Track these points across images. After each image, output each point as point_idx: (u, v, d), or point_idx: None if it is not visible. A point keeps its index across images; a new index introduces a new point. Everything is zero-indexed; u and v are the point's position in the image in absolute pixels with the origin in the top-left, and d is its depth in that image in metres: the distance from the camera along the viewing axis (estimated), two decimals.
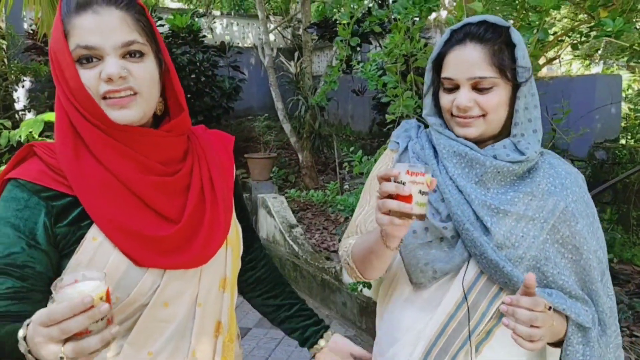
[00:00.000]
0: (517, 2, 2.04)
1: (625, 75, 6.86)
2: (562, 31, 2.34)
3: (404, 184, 0.94)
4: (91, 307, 0.74)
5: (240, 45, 10.14)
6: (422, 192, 0.94)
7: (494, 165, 1.10)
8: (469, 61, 1.09)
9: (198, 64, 6.45)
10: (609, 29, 1.34)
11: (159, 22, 7.03)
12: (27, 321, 0.79)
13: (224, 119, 7.65)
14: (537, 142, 1.14)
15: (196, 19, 7.89)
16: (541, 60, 2.28)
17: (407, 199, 0.93)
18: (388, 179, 0.95)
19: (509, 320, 0.94)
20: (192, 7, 10.38)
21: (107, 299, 0.78)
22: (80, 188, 0.96)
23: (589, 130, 3.93)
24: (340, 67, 2.69)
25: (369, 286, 3.37)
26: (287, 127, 7.54)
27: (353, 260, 1.23)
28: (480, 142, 1.15)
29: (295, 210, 6.04)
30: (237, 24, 10.61)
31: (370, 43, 6.02)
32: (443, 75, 1.14)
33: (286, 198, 5.49)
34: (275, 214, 5.15)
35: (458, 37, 1.12)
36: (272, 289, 1.39)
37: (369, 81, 2.83)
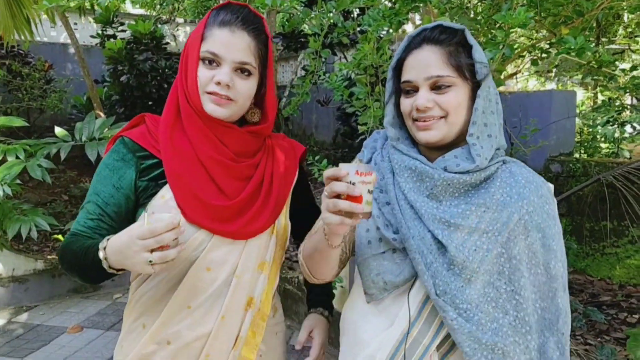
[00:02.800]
0: (482, 17, 2.10)
1: (579, 92, 7.13)
2: (523, 47, 2.42)
3: (353, 184, 0.95)
4: (177, 226, 1.03)
5: None
6: (369, 191, 0.97)
7: (443, 178, 1.09)
8: (426, 62, 1.10)
9: (161, 70, 6.35)
10: (570, 47, 1.39)
11: (120, 28, 6.91)
12: (108, 237, 1.09)
13: None
14: (490, 148, 1.12)
15: (159, 26, 7.78)
16: (503, 75, 2.35)
17: (358, 199, 0.95)
18: (336, 179, 0.96)
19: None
20: (155, 13, 10.23)
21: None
22: (165, 152, 1.24)
23: (547, 143, 4.06)
24: (311, 79, 2.70)
25: (333, 296, 3.36)
26: None
27: (304, 259, 1.25)
28: (442, 147, 1.14)
29: None
30: None
31: (336, 54, 6.07)
32: (402, 79, 1.15)
33: None
34: None
35: (416, 42, 1.13)
36: None
37: (334, 92, 2.84)
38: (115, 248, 1.06)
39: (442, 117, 1.10)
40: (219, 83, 1.20)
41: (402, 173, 1.15)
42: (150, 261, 1.01)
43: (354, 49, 2.85)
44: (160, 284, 1.26)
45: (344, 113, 6.11)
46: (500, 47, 1.57)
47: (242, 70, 1.22)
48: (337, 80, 2.86)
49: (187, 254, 1.21)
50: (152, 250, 1.01)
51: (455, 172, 1.09)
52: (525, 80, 8.39)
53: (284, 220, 1.37)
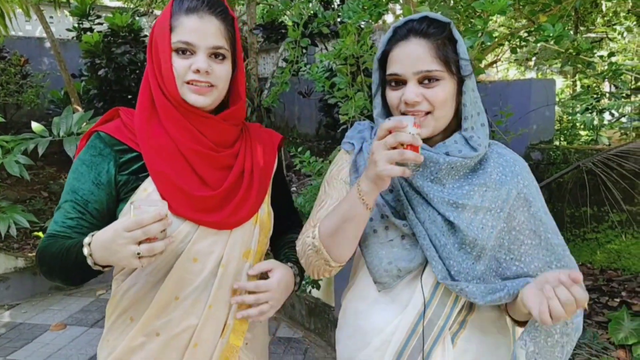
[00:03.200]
0: (461, 6, 2.10)
1: (559, 80, 7.20)
2: (502, 35, 2.43)
3: (413, 135, 0.99)
4: (164, 218, 1.01)
5: None
6: (422, 148, 1.02)
7: (447, 161, 1.11)
8: (414, 56, 1.09)
9: (139, 64, 6.26)
10: (549, 34, 1.39)
11: (97, 21, 6.80)
12: (92, 233, 1.08)
13: None
14: (485, 136, 1.16)
15: (137, 18, 7.67)
16: (482, 63, 2.35)
17: (417, 149, 0.99)
18: (392, 132, 0.99)
19: (551, 289, 0.96)
20: (132, 6, 10.07)
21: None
22: (144, 145, 1.22)
23: (527, 130, 4.09)
24: (291, 69, 2.68)
25: (318, 287, 3.37)
26: None
27: (321, 240, 1.16)
28: (429, 140, 1.15)
29: None
30: None
31: (317, 45, 6.04)
32: (388, 72, 1.14)
33: None
34: None
35: (401, 33, 1.12)
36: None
37: (316, 83, 2.83)
38: (100, 243, 1.05)
39: (427, 113, 1.11)
40: (198, 71, 1.19)
41: None
42: (137, 254, 1.00)
43: (335, 39, 2.83)
44: (147, 278, 1.25)
45: (326, 104, 6.10)
46: (479, 35, 1.57)
47: (216, 55, 1.22)
48: (318, 71, 2.84)
49: (173, 247, 1.21)
50: (139, 244, 1.00)
51: (459, 157, 1.12)
52: (505, 70, 8.45)
53: (266, 208, 1.38)
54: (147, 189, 1.22)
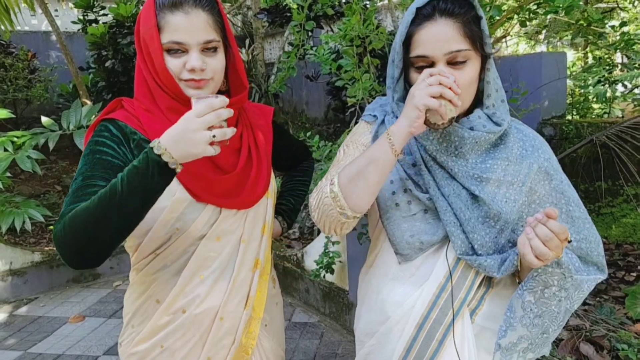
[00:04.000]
0: None
1: (570, 53, 7.07)
2: (511, 9, 2.38)
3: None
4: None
5: None
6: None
7: (472, 136, 1.12)
8: (444, 36, 1.07)
9: None
10: (559, 5, 1.36)
11: (102, 12, 6.78)
12: (155, 140, 1.03)
13: None
14: (506, 112, 1.17)
15: (141, 8, 7.62)
16: (492, 38, 2.31)
17: (455, 92, 1.03)
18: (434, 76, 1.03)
19: (530, 230, 0.99)
20: None
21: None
22: (151, 130, 1.22)
23: (538, 106, 4.03)
24: (297, 53, 2.65)
25: (332, 271, 3.38)
26: None
27: (340, 185, 1.12)
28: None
29: None
30: None
31: (322, 27, 5.98)
32: (414, 54, 1.11)
33: None
34: None
35: (426, 13, 1.09)
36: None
37: (322, 65, 2.80)
38: (172, 136, 1.02)
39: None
40: (192, 70, 1.20)
41: (426, 136, 1.16)
42: (213, 136, 1.01)
43: (340, 21, 2.80)
44: (172, 264, 1.30)
45: (334, 87, 6.04)
46: (488, 9, 1.53)
47: (208, 48, 1.21)
48: (324, 53, 2.81)
49: (197, 230, 1.27)
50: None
51: (483, 131, 1.13)
52: (515, 44, 8.32)
53: (273, 180, 1.46)
54: None
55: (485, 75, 1.13)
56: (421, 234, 1.16)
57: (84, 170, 1.15)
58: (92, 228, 1.03)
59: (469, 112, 1.17)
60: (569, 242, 0.98)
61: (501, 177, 1.13)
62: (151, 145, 1.02)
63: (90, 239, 1.04)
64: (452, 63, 1.09)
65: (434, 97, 1.02)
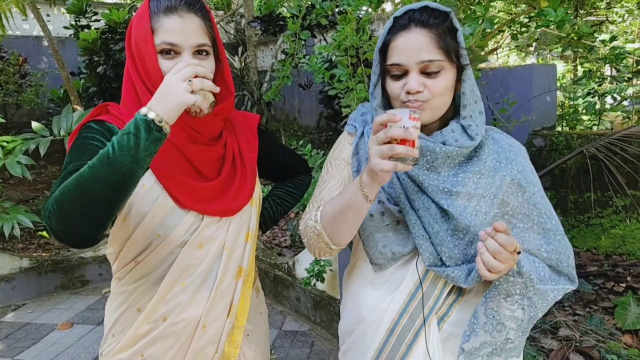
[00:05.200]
0: None
1: (560, 65, 7.15)
2: (502, 22, 2.40)
3: (407, 128, 0.97)
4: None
5: None
6: (419, 137, 1.02)
7: (444, 151, 1.14)
8: (416, 46, 1.10)
9: None
10: (551, 19, 1.38)
11: (94, 18, 6.77)
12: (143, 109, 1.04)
13: None
14: (483, 124, 1.18)
15: (134, 14, 7.61)
16: (484, 51, 2.33)
17: (412, 143, 0.98)
18: (386, 126, 1.00)
19: (482, 245, 1.01)
20: (129, 1, 10.03)
21: None
22: None
23: (529, 117, 4.07)
24: (291, 62, 2.66)
25: (322, 280, 3.37)
26: None
27: (323, 225, 1.19)
28: (426, 128, 1.17)
29: None
30: None
31: (315, 37, 6.00)
32: (390, 62, 1.14)
33: None
34: None
35: (403, 23, 1.13)
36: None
37: (315, 74, 2.81)
38: (156, 97, 1.06)
39: (425, 102, 1.12)
40: None
41: None
42: (189, 82, 1.06)
43: (334, 30, 2.81)
44: (152, 272, 1.28)
45: (326, 96, 6.06)
46: (480, 21, 1.55)
47: (200, 52, 1.23)
48: (317, 62, 2.82)
49: (179, 237, 1.26)
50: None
51: (455, 146, 1.14)
52: (506, 56, 8.40)
53: (257, 188, 1.44)
54: (146, 184, 1.22)
55: (462, 87, 1.15)
56: (393, 245, 1.20)
57: (72, 159, 1.14)
58: (85, 195, 1.01)
59: (444, 122, 1.19)
60: (519, 253, 1.01)
61: (472, 190, 1.14)
62: (141, 112, 1.05)
63: (83, 206, 1.01)
64: (426, 72, 1.11)
65: (388, 157, 1.00)
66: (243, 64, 8.12)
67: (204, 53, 1.24)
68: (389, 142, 0.99)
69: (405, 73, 1.13)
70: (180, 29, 1.19)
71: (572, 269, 1.19)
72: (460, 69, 1.15)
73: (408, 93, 1.12)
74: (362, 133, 1.29)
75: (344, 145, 1.34)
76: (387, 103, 1.22)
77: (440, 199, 1.14)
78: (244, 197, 1.36)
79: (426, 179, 1.15)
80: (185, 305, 1.29)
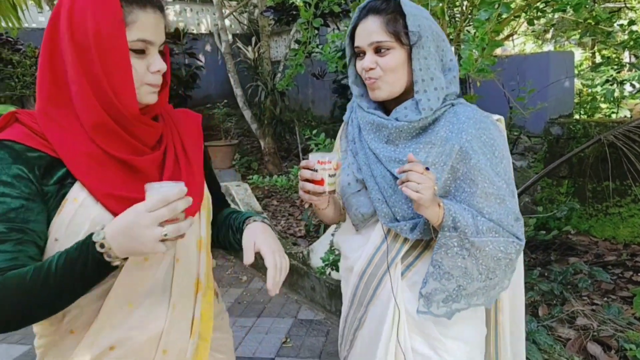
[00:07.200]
0: None
1: (577, 52, 7.03)
2: (518, 7, 2.36)
3: (316, 170, 1.24)
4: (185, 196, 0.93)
5: (195, 31, 9.90)
6: (330, 175, 1.24)
7: (395, 126, 1.32)
8: (369, 29, 1.30)
9: None
10: (567, 3, 1.35)
11: None
12: (102, 227, 0.93)
13: (182, 108, 7.49)
14: (437, 100, 1.31)
15: None
16: (500, 35, 2.30)
17: (320, 182, 1.24)
18: (306, 168, 1.25)
19: (401, 174, 1.19)
20: None
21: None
22: (65, 152, 1.03)
23: (545, 104, 4.01)
24: (304, 50, 2.65)
25: (337, 269, 3.37)
26: (247, 114, 7.44)
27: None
28: (393, 101, 1.34)
29: (259, 198, 5.98)
30: (191, 10, 10.38)
31: (328, 25, 5.98)
32: (354, 45, 1.35)
33: (249, 185, 5.41)
34: (239, 202, 5.07)
35: (363, 12, 1.32)
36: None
37: (328, 63, 2.80)
38: (117, 230, 0.91)
39: (378, 79, 1.31)
40: (159, 71, 1.09)
41: (364, 127, 1.39)
42: (164, 235, 0.90)
43: (347, 18, 2.79)
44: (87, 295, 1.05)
45: (339, 85, 6.04)
46: (496, 6, 1.52)
47: (160, 51, 1.11)
48: (330, 51, 2.81)
49: None
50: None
51: (405, 121, 1.31)
52: (522, 43, 8.29)
53: (206, 192, 1.29)
54: (78, 198, 1.04)
55: (412, 64, 1.29)
56: (361, 207, 1.39)
57: None
58: (21, 303, 0.94)
59: (407, 96, 1.33)
60: (427, 169, 1.18)
61: (423, 159, 1.29)
62: (94, 238, 0.93)
63: (16, 309, 0.95)
64: (377, 51, 1.30)
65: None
66: (256, 54, 8.12)
67: (162, 52, 1.12)
68: (307, 180, 1.25)
69: (364, 54, 1.32)
70: (155, 24, 1.07)
71: (515, 228, 1.29)
72: (411, 49, 1.29)
73: (365, 70, 1.31)
74: (349, 118, 1.49)
75: (340, 134, 1.56)
76: (360, 81, 1.40)
77: (393, 168, 1.30)
78: (194, 201, 1.09)
79: (381, 151, 1.33)
80: (139, 330, 1.12)
